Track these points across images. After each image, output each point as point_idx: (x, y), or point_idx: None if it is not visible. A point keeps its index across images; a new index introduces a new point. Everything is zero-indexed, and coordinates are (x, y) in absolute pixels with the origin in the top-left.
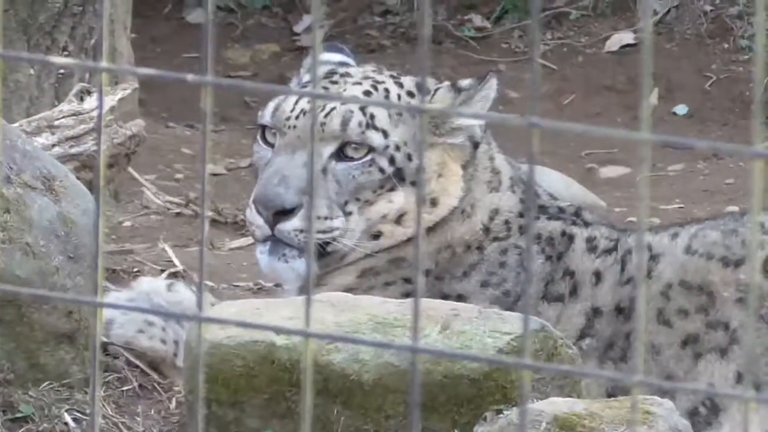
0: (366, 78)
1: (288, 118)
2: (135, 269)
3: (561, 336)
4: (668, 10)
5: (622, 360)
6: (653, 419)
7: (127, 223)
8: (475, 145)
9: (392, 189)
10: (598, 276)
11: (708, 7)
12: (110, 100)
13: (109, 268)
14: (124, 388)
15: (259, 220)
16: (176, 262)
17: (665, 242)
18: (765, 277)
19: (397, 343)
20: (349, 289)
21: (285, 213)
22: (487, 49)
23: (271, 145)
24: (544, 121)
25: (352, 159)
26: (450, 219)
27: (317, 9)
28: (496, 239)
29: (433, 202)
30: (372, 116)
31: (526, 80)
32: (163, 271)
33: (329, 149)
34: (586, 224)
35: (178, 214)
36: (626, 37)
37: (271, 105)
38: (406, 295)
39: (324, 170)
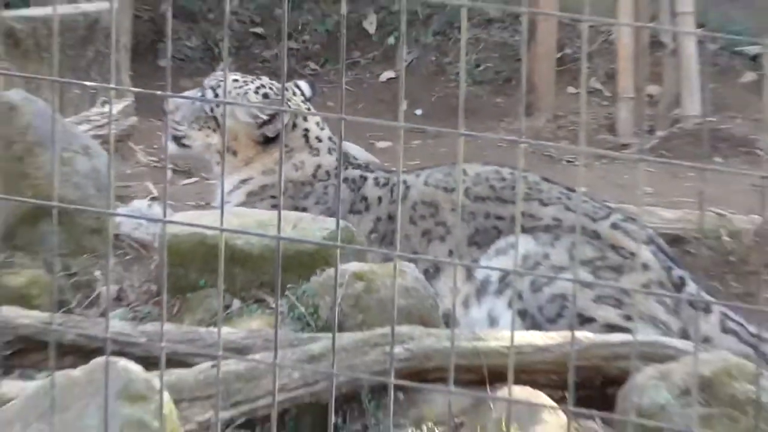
0: (256, 82)
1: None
2: (133, 195)
3: (354, 230)
4: None
5: (391, 244)
6: (405, 273)
7: (128, 172)
8: (265, 137)
9: (213, 129)
10: (379, 199)
11: None
12: None
13: (119, 194)
14: (127, 257)
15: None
16: (154, 192)
17: (413, 178)
18: (465, 197)
19: (269, 234)
20: (242, 204)
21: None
22: None
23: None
24: (350, 117)
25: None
26: (285, 168)
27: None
28: (320, 181)
29: (233, 152)
30: (216, 87)
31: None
32: (146, 196)
33: (198, 94)
34: (372, 171)
35: (155, 167)
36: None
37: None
38: (274, 206)
39: (193, 102)
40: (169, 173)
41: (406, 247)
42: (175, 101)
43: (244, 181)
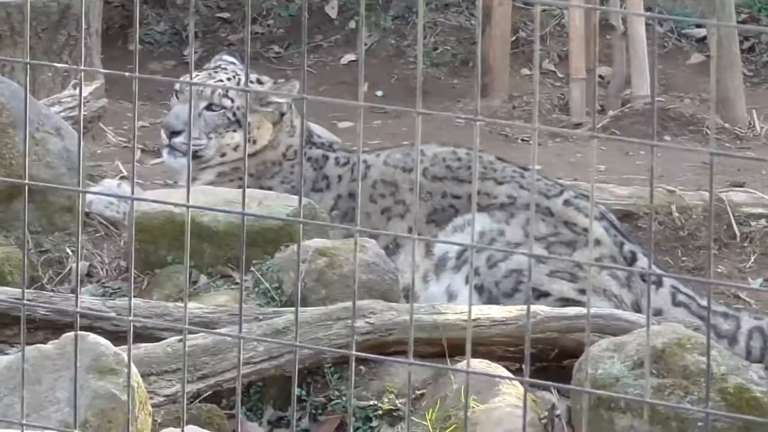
0: (233, 71)
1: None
2: (103, 175)
3: (318, 207)
4: None
5: (352, 221)
6: (366, 249)
7: (99, 151)
8: (281, 114)
9: (234, 130)
10: (340, 178)
11: None
12: None
13: (90, 174)
14: (97, 235)
15: (164, 136)
16: (124, 171)
17: (373, 158)
18: (423, 177)
19: (234, 210)
20: (211, 183)
21: (176, 133)
22: None
23: (177, 99)
24: (311, 97)
25: (214, 111)
26: (264, 150)
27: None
28: (289, 160)
29: (254, 141)
30: (227, 91)
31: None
32: (116, 176)
33: (203, 104)
34: (334, 150)
35: (124, 147)
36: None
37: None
38: (240, 186)
39: (200, 114)
40: (138, 153)
41: (367, 225)
42: (180, 118)
43: (223, 155)
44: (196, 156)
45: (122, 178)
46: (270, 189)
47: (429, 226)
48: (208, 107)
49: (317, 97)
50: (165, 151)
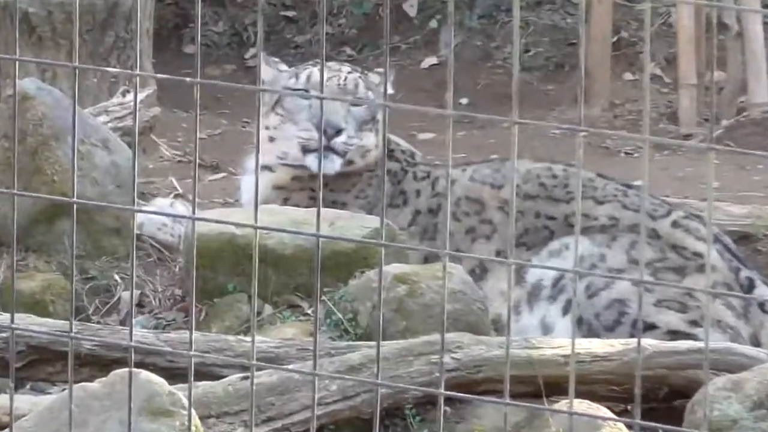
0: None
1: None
2: (155, 193)
3: (396, 228)
4: None
5: (432, 239)
6: (452, 275)
7: (151, 166)
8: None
9: (371, 129)
10: (418, 193)
11: None
12: None
13: (141, 191)
14: (149, 260)
15: (316, 136)
16: (178, 188)
17: (459, 173)
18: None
19: (305, 232)
20: (282, 187)
21: (339, 132)
22: None
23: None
24: (394, 104)
25: (357, 105)
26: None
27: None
28: (369, 171)
29: (376, 145)
30: (367, 84)
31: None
32: (169, 194)
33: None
34: (414, 164)
35: (179, 161)
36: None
37: (304, 75)
38: (311, 198)
39: (348, 111)
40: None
41: (450, 246)
42: (340, 113)
43: (350, 162)
44: (344, 157)
45: (176, 196)
46: (343, 204)
47: (519, 249)
48: (354, 103)
49: (401, 105)
50: (314, 156)
